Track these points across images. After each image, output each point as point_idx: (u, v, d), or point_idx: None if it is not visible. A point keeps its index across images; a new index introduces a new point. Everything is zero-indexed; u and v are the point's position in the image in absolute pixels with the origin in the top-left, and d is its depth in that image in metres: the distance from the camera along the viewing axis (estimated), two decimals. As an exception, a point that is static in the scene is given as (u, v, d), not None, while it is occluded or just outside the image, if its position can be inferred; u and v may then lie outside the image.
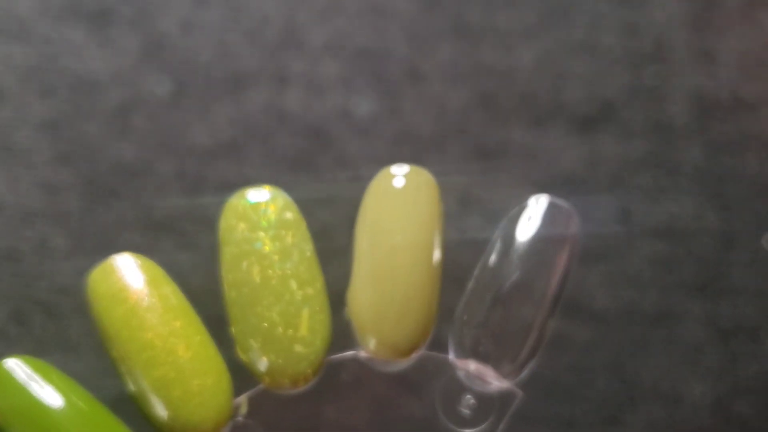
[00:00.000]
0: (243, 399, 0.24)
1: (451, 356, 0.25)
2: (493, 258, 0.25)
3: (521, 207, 0.26)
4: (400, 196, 0.25)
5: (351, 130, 0.31)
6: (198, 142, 0.31)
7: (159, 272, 0.25)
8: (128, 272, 0.24)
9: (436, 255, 0.24)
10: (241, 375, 0.24)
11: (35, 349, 0.28)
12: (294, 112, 0.31)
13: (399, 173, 0.25)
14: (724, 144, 0.31)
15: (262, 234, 0.24)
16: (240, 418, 0.24)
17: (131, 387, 0.23)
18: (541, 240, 0.25)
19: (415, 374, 0.25)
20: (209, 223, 0.29)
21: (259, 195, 0.25)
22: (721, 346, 0.30)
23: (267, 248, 0.24)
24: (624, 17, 0.32)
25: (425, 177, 0.26)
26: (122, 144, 0.31)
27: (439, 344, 0.25)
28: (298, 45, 0.32)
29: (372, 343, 0.24)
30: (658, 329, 0.30)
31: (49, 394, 0.23)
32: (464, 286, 0.26)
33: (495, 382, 0.25)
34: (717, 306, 0.30)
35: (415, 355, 0.25)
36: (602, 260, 0.30)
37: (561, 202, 0.25)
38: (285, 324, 0.23)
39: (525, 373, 0.25)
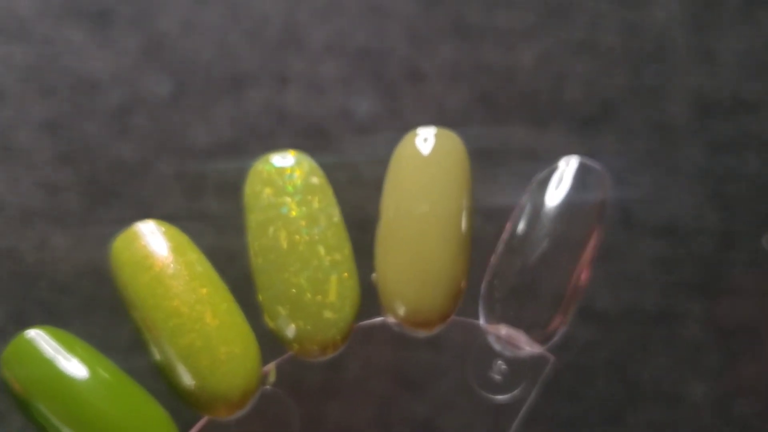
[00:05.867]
0: (271, 367, 0.24)
1: (482, 322, 0.24)
2: (521, 224, 0.24)
3: (551, 169, 0.25)
4: (426, 163, 0.24)
5: (351, 130, 0.31)
6: (198, 142, 0.31)
7: (184, 239, 0.24)
8: (153, 239, 0.23)
9: (465, 222, 0.24)
10: (267, 344, 0.24)
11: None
12: (294, 111, 0.31)
13: (426, 136, 0.24)
14: (724, 144, 0.31)
15: (288, 199, 0.24)
16: (268, 387, 0.24)
17: (156, 356, 0.22)
18: (571, 205, 0.24)
19: (445, 341, 0.24)
20: (209, 222, 0.29)
21: (284, 160, 0.24)
22: (721, 346, 0.30)
23: (293, 213, 0.23)
24: (624, 17, 0.32)
25: (453, 141, 0.25)
26: (122, 144, 0.30)
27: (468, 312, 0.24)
28: (298, 45, 0.32)
29: (400, 311, 0.23)
30: (658, 329, 0.30)
31: (73, 365, 0.22)
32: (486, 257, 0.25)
33: (526, 347, 0.24)
34: (717, 306, 0.30)
35: (443, 323, 0.24)
36: (603, 260, 0.30)
37: (593, 163, 0.24)
38: (313, 290, 0.23)
39: (557, 337, 0.24)
